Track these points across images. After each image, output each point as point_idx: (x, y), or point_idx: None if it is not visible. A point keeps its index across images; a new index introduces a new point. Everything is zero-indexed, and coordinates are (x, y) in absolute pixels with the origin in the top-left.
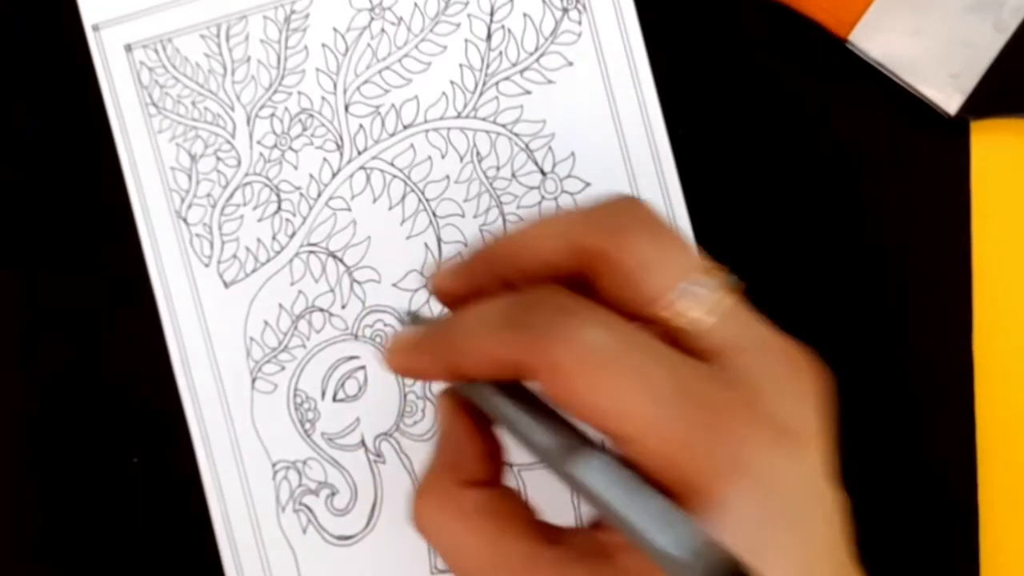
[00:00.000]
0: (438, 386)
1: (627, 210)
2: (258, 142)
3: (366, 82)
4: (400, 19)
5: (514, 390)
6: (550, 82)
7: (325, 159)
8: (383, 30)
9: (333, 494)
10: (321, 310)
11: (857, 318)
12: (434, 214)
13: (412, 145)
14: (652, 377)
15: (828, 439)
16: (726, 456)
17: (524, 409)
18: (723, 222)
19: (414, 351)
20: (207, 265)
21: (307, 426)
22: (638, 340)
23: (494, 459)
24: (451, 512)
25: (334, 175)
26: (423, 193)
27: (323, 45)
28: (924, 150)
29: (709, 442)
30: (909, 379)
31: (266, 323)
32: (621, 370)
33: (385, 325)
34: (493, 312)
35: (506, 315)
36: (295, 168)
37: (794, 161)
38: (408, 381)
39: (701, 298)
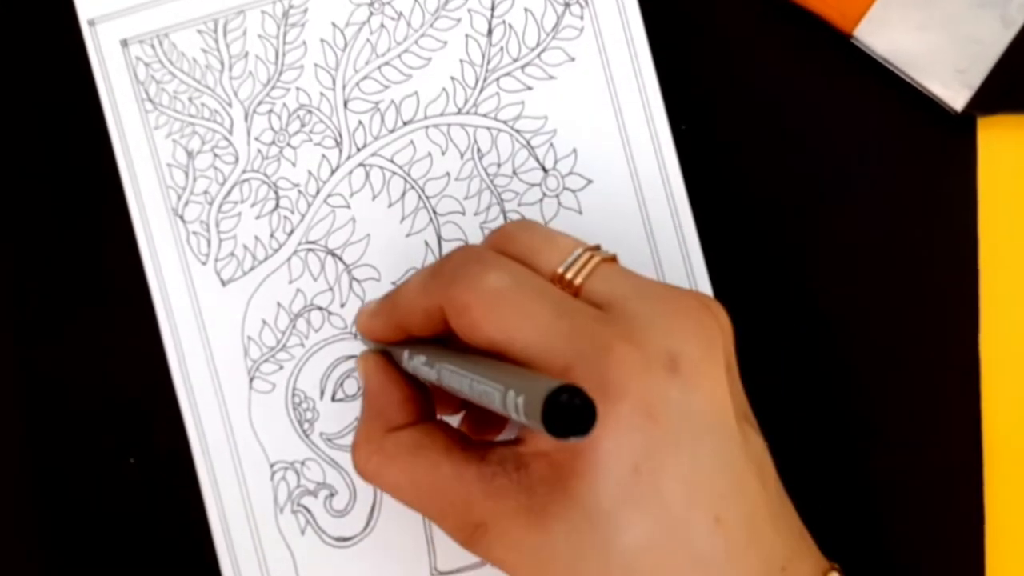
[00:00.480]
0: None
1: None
2: (256, 138)
3: (365, 78)
4: (400, 14)
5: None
6: (552, 78)
7: (324, 156)
8: (382, 25)
9: (332, 495)
10: (320, 309)
11: (862, 315)
12: (434, 211)
13: (412, 142)
14: (539, 312)
15: (725, 375)
16: (604, 380)
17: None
18: (727, 218)
19: (372, 316)
20: (204, 263)
21: (306, 426)
22: (532, 283)
23: (416, 404)
24: (381, 457)
25: (333, 172)
26: (423, 190)
27: (322, 40)
28: (930, 147)
29: (588, 368)
30: (915, 376)
31: (264, 322)
32: (512, 306)
33: None
34: (422, 272)
35: (431, 272)
36: (293, 165)
37: (798, 158)
38: None
39: (582, 264)
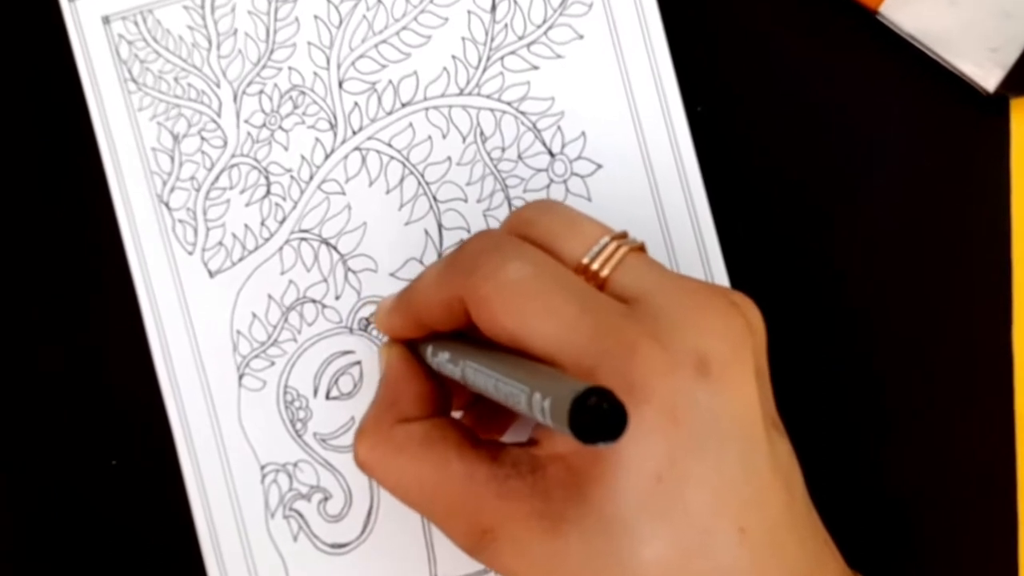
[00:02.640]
0: None
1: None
2: (246, 121)
3: (361, 56)
4: None
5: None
6: (559, 56)
7: (318, 139)
8: (379, 0)
9: (326, 499)
10: (313, 301)
11: (887, 304)
12: (435, 198)
13: (411, 124)
14: (562, 305)
15: (754, 378)
16: (629, 380)
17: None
18: (744, 205)
19: (390, 313)
20: (191, 253)
21: (298, 426)
22: (556, 273)
23: (433, 399)
24: (387, 447)
25: (327, 156)
26: (423, 176)
27: (315, 17)
28: (961, 130)
29: (613, 367)
30: (943, 371)
31: (254, 315)
32: (535, 298)
33: None
34: (439, 262)
35: (448, 262)
36: (285, 149)
37: (821, 142)
38: None
39: (608, 254)
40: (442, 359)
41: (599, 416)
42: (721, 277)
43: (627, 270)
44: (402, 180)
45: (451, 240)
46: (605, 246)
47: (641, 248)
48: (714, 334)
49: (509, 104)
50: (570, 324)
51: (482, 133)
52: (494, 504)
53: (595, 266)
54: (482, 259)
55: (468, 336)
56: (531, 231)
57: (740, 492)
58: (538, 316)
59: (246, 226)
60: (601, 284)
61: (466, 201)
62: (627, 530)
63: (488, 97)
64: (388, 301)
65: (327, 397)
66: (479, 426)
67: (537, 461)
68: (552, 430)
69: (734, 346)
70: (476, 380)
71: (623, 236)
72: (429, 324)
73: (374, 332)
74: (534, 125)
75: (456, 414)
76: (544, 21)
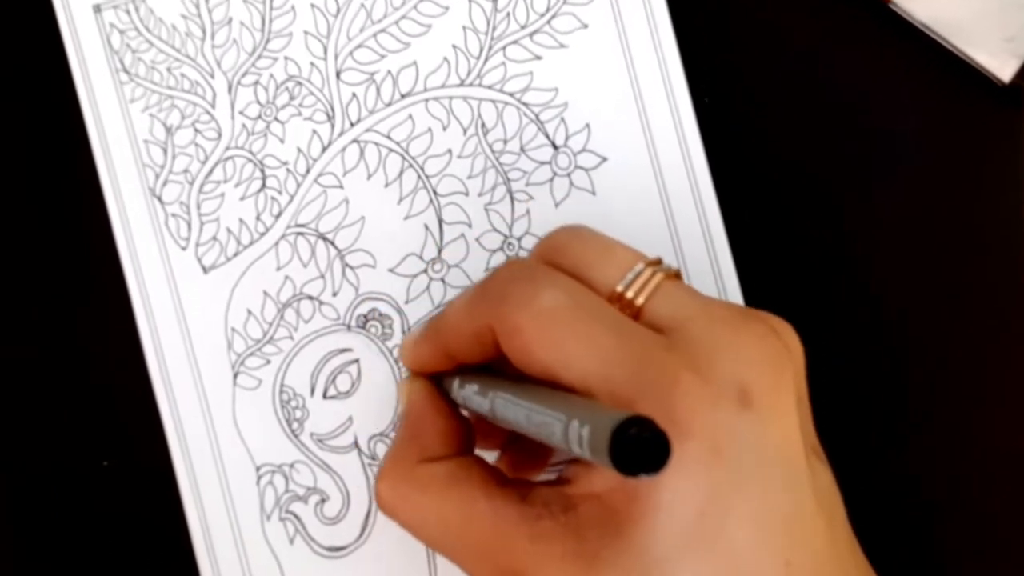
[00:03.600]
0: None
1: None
2: (240, 112)
3: (359, 46)
4: None
5: (485, 376)
6: (563, 46)
7: (315, 131)
8: None
9: (323, 501)
10: (310, 298)
11: (901, 297)
12: (435, 192)
13: (410, 116)
14: (599, 336)
15: (795, 407)
16: (670, 414)
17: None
18: (753, 198)
19: (416, 345)
20: (184, 248)
21: (295, 426)
22: (591, 304)
23: (457, 436)
24: (411, 487)
25: (324, 149)
26: (423, 169)
27: (312, 5)
28: (974, 121)
29: (654, 401)
30: (961, 358)
31: (249, 312)
32: (570, 329)
33: (381, 314)
34: (468, 292)
35: (478, 291)
36: (281, 141)
37: (832, 134)
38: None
39: (644, 282)
40: (469, 392)
41: (641, 446)
42: (728, 272)
43: (663, 298)
44: (401, 173)
45: (451, 235)
46: (640, 273)
47: (677, 275)
48: (754, 363)
49: (511, 95)
50: (607, 355)
51: (483, 125)
52: (525, 546)
53: (630, 294)
54: (514, 287)
55: (496, 369)
56: (562, 259)
57: (784, 525)
58: (573, 347)
59: (241, 220)
60: (636, 313)
61: (467, 195)
62: (668, 569)
63: (490, 88)
64: (414, 333)
65: (324, 396)
66: (514, 467)
67: (569, 500)
68: (585, 467)
69: (775, 375)
70: (506, 412)
71: (657, 262)
72: (458, 356)
73: (372, 329)
74: (537, 117)
75: (490, 457)
76: (547, 10)
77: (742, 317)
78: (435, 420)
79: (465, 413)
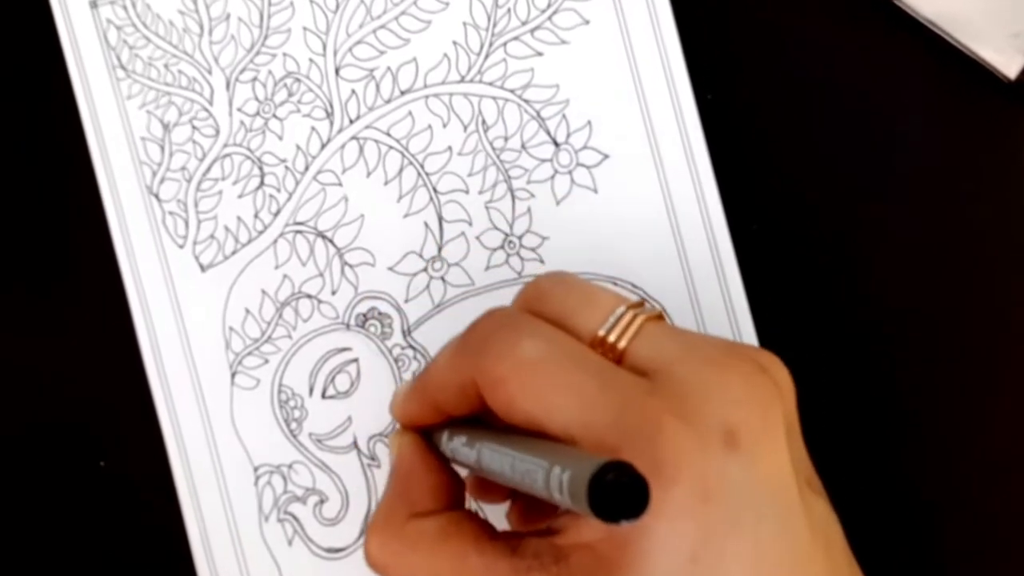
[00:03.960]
0: None
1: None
2: (239, 109)
3: (359, 42)
4: None
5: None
6: (564, 42)
7: (313, 128)
8: None
9: (322, 502)
10: (309, 296)
11: (905, 299)
12: (435, 190)
13: (410, 113)
14: (581, 384)
15: (785, 443)
16: (656, 460)
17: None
18: (756, 197)
19: (406, 400)
20: (181, 246)
21: (293, 426)
22: (572, 351)
23: (447, 491)
24: (401, 544)
25: (323, 146)
26: (422, 166)
27: (311, 1)
28: (980, 119)
29: (638, 447)
30: (965, 357)
31: (247, 311)
32: (551, 378)
33: (380, 313)
34: (451, 344)
35: (459, 343)
36: (280, 138)
37: (836, 130)
38: (405, 377)
39: (625, 325)
40: (457, 444)
41: (620, 492)
42: (732, 270)
43: (645, 340)
44: (401, 171)
45: (451, 233)
46: (621, 316)
47: (659, 316)
48: (741, 404)
49: (512, 92)
50: (590, 403)
51: (484, 122)
52: None
53: (612, 338)
54: (493, 338)
55: (485, 421)
56: (543, 307)
57: (780, 563)
58: (555, 396)
59: (239, 218)
60: (619, 357)
61: (467, 192)
62: None
63: (490, 84)
64: (403, 387)
65: (323, 396)
66: (523, 520)
67: (560, 551)
68: (575, 516)
69: (763, 413)
70: (492, 462)
71: (639, 305)
72: (445, 409)
73: (372, 328)
74: (538, 114)
75: (497, 510)
76: (548, 6)
77: (727, 355)
78: (425, 475)
79: (456, 467)
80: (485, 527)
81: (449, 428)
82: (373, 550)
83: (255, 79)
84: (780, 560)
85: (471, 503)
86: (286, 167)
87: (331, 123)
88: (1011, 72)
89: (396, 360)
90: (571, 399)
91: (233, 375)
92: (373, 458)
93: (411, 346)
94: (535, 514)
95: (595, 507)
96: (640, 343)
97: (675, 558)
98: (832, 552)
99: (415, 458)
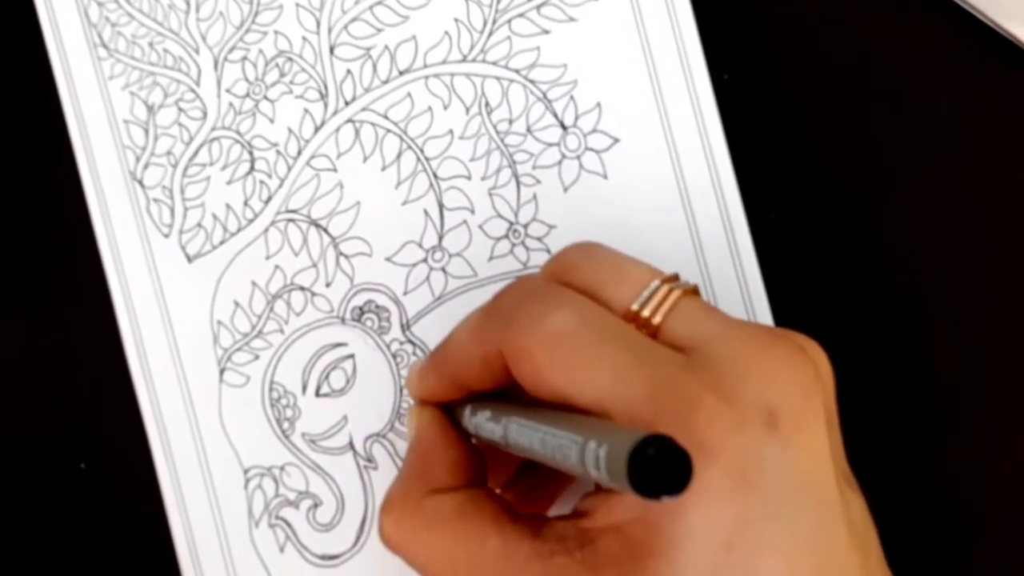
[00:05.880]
0: None
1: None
2: (227, 90)
3: (355, 19)
4: None
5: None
6: (572, 19)
7: (306, 110)
8: None
9: (316, 506)
10: (302, 289)
11: (937, 282)
12: (435, 175)
13: (409, 94)
14: (614, 356)
15: (826, 432)
16: (693, 439)
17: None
18: (774, 179)
19: (423, 375)
20: (167, 236)
21: (285, 426)
22: (605, 322)
23: (468, 467)
24: (417, 520)
25: (317, 129)
26: (422, 151)
27: None
28: (1010, 98)
29: (674, 424)
30: (998, 350)
31: (237, 304)
32: (583, 351)
33: (377, 306)
34: (474, 315)
35: (484, 313)
36: (271, 121)
37: (858, 112)
38: (404, 374)
39: (660, 300)
40: (481, 418)
41: (662, 466)
42: (749, 260)
43: (681, 316)
44: (399, 155)
45: (453, 221)
46: (656, 290)
47: (695, 291)
48: (782, 384)
49: (517, 72)
50: (625, 377)
51: (487, 104)
52: None
53: (646, 313)
54: (522, 309)
55: (509, 396)
56: (573, 277)
57: (816, 557)
58: (588, 369)
59: (228, 206)
60: (653, 332)
61: (469, 178)
62: None
63: (494, 64)
64: (420, 362)
65: (317, 394)
66: (522, 501)
67: (586, 535)
68: (603, 498)
69: (804, 397)
70: (520, 438)
71: (674, 279)
72: (467, 384)
73: (368, 322)
74: (544, 95)
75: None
76: None
77: (768, 336)
78: (445, 450)
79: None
80: (506, 507)
81: (472, 403)
82: (388, 528)
83: (245, 58)
84: (816, 551)
85: None
86: (277, 152)
87: (325, 105)
88: None
89: (394, 356)
90: (603, 373)
91: (221, 372)
92: (369, 460)
93: (410, 341)
94: (537, 497)
95: (635, 482)
96: (676, 319)
97: (709, 543)
98: (868, 551)
99: (435, 431)
